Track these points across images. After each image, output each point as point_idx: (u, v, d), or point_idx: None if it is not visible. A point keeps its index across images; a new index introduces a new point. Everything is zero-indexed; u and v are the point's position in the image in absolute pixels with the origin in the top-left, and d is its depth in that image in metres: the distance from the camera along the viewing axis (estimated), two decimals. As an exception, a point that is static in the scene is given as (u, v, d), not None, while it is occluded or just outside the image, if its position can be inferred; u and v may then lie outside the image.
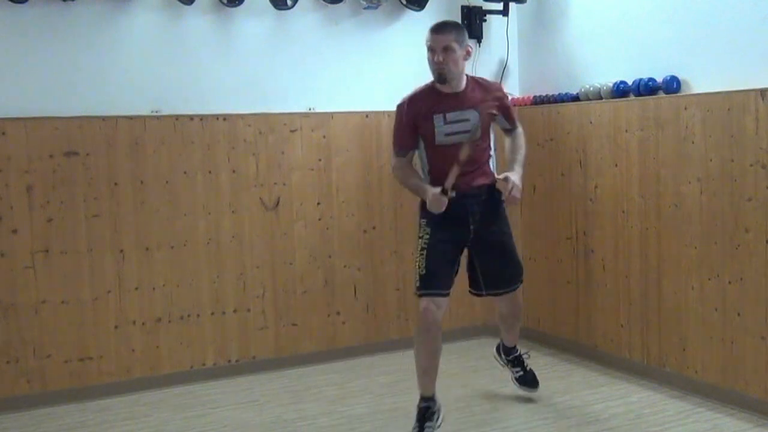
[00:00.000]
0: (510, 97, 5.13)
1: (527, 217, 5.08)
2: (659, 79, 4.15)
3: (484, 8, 5.12)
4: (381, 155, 4.92)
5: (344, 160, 4.84)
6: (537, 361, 4.39)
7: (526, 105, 5.10)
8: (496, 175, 3.69)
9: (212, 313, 4.54)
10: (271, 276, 4.68)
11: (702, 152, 3.87)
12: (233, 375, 4.56)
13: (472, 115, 3.57)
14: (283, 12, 4.63)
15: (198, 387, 4.41)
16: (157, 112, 4.37)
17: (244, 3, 4.48)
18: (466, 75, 3.67)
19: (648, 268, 4.22)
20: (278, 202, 4.68)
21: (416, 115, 3.62)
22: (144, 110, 4.35)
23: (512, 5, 5.11)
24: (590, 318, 4.65)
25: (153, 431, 3.83)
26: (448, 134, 3.57)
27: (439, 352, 3.58)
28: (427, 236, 3.59)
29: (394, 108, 4.90)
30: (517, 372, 4.09)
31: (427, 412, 3.55)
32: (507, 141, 3.88)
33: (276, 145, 4.65)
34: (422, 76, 4.95)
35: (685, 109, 3.94)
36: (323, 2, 4.73)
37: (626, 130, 4.29)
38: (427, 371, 3.56)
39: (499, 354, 4.17)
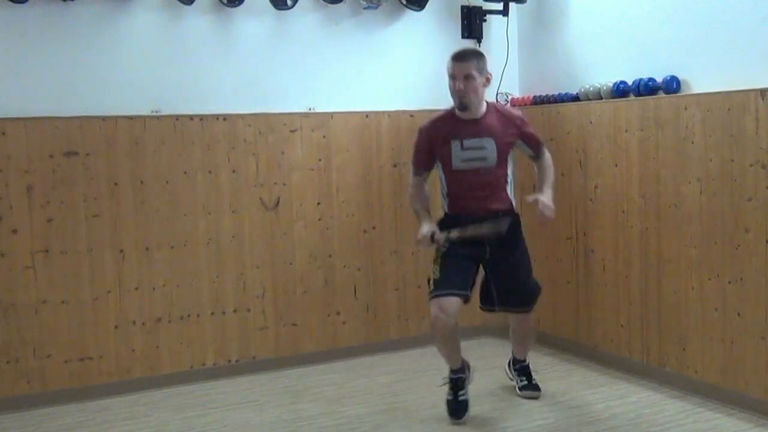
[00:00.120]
0: (510, 97, 5.17)
1: (527, 217, 5.06)
2: (659, 79, 4.15)
3: (484, 8, 5.12)
4: (381, 155, 4.92)
5: (344, 160, 4.84)
6: (537, 361, 4.39)
7: (526, 105, 5.10)
8: (513, 201, 3.82)
9: (212, 313, 4.54)
10: (271, 276, 4.68)
11: (702, 152, 3.87)
12: (233, 375, 4.56)
13: (489, 144, 3.67)
14: (283, 12, 4.63)
15: (198, 387, 4.41)
16: (157, 112, 4.37)
17: (244, 3, 4.48)
18: (487, 102, 3.77)
19: (648, 268, 4.22)
20: (278, 202, 4.68)
21: (434, 140, 3.76)
22: (144, 110, 4.35)
23: (512, 5, 5.11)
24: (590, 318, 4.65)
25: (153, 431, 3.83)
26: (464, 160, 3.69)
27: (456, 340, 3.77)
28: (443, 250, 3.72)
29: (393, 108, 4.97)
30: (521, 381, 4.11)
31: (458, 381, 3.81)
32: (535, 167, 3.96)
33: (276, 145, 4.65)
34: (422, 76, 5.01)
35: (685, 109, 3.94)
36: (323, 2, 4.73)
37: (626, 130, 4.29)
38: (450, 355, 3.81)
39: (509, 367, 4.22)
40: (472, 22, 5.12)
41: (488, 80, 3.72)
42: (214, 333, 4.55)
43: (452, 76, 3.65)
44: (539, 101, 4.99)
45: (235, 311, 4.60)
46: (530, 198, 3.71)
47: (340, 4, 4.75)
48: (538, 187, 3.86)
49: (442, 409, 3.87)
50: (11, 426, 3.91)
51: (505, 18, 5.12)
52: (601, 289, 4.55)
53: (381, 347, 4.94)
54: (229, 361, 4.60)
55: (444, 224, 3.78)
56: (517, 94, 5.25)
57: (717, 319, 3.86)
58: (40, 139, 4.10)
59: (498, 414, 3.89)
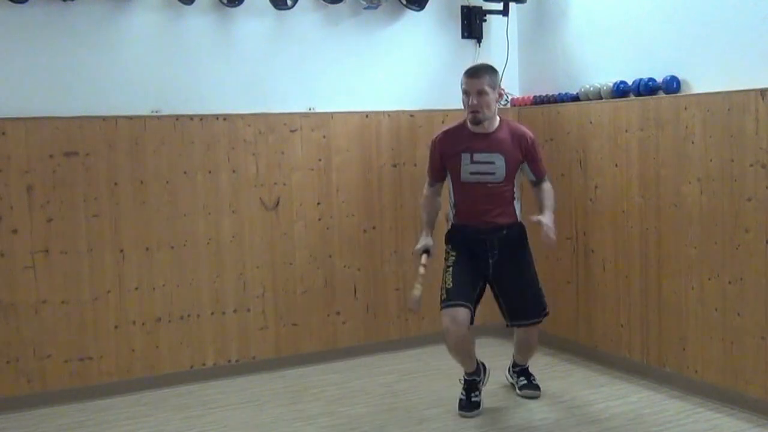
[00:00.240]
0: (510, 97, 5.17)
1: (527, 217, 5.07)
2: (659, 79, 4.15)
3: (484, 8, 5.12)
4: (381, 155, 4.92)
5: (344, 160, 4.84)
6: (537, 361, 4.39)
7: (526, 105, 5.10)
8: (519, 218, 3.87)
9: (212, 313, 4.54)
10: (271, 276, 4.68)
11: (702, 152, 3.87)
12: (233, 375, 4.56)
13: (498, 159, 3.73)
14: (283, 12, 4.63)
15: (198, 387, 4.41)
16: (157, 112, 4.37)
17: (244, 3, 4.48)
18: (500, 117, 3.83)
19: (648, 268, 4.22)
20: (278, 202, 4.68)
21: (445, 151, 3.84)
22: (144, 110, 4.35)
23: (512, 5, 5.11)
24: (590, 318, 4.65)
25: (153, 431, 3.83)
26: (473, 173, 3.76)
27: (469, 352, 3.82)
28: (453, 258, 3.83)
29: (393, 108, 4.98)
30: (521, 381, 4.12)
31: (473, 384, 3.87)
32: (534, 191, 3.96)
33: (276, 145, 4.65)
34: (422, 76, 5.02)
35: (685, 109, 3.94)
36: (323, 2, 4.72)
37: (626, 130, 4.29)
38: (464, 361, 3.85)
39: (509, 372, 4.24)
40: (472, 22, 5.12)
41: (501, 95, 3.83)
42: (214, 333, 4.55)
43: (465, 92, 3.72)
44: (539, 101, 4.99)
45: (235, 311, 4.60)
46: (533, 218, 3.74)
47: (340, 4, 4.75)
48: (539, 209, 3.87)
49: (442, 409, 3.88)
50: (11, 426, 3.91)
51: (505, 18, 5.12)
52: (601, 289, 4.55)
53: (381, 347, 4.94)
54: (229, 361, 4.60)
55: (451, 234, 3.90)
56: (517, 94, 5.24)
57: (717, 319, 3.86)
58: (40, 139, 4.10)
59: (498, 414, 3.89)
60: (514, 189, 3.83)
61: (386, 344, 4.97)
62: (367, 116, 4.87)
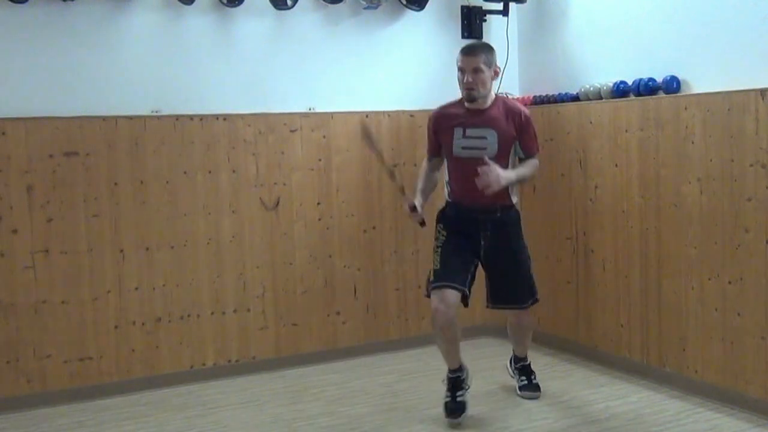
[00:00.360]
0: (511, 96, 5.16)
1: (527, 217, 5.07)
2: (659, 79, 4.15)
3: (484, 8, 5.12)
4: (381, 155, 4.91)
5: (344, 160, 4.84)
6: (537, 362, 4.38)
7: (526, 105, 5.09)
8: (514, 198, 3.82)
9: (212, 313, 4.54)
10: (271, 276, 4.68)
11: (702, 152, 3.87)
12: (233, 375, 4.56)
13: (490, 134, 3.69)
14: (283, 12, 4.63)
15: (198, 387, 4.41)
16: (157, 112, 4.37)
17: (244, 3, 4.48)
18: (496, 95, 3.82)
19: (648, 268, 4.22)
20: (278, 202, 4.68)
21: (439, 126, 3.83)
22: (144, 110, 4.35)
23: (512, 5, 5.11)
24: (590, 318, 4.65)
25: (153, 431, 3.83)
26: (464, 147, 3.72)
27: (456, 338, 3.75)
28: (443, 237, 3.80)
29: (393, 108, 4.96)
30: (521, 381, 4.11)
31: (456, 381, 3.80)
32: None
33: (276, 145, 4.65)
34: (422, 76, 5.01)
35: (685, 109, 3.94)
36: (323, 2, 4.73)
37: (626, 130, 4.29)
38: (449, 352, 3.80)
39: (510, 364, 4.23)
40: (472, 22, 5.12)
41: (496, 73, 3.78)
42: (214, 333, 4.55)
43: (461, 69, 3.71)
44: (539, 101, 4.99)
45: (235, 311, 4.60)
46: (485, 163, 3.57)
47: (340, 4, 4.75)
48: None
49: (442, 410, 3.87)
50: (11, 426, 3.91)
51: (505, 18, 5.12)
52: (601, 289, 4.55)
53: (381, 347, 4.94)
54: (229, 361, 4.60)
55: (445, 212, 3.86)
56: (517, 94, 5.24)
57: (717, 319, 3.85)
58: (40, 139, 4.10)
59: (498, 414, 3.89)
60: (509, 168, 3.75)
61: (386, 344, 4.97)
62: (367, 116, 4.87)
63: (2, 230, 4.04)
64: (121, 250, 4.30)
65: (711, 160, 3.82)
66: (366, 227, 4.92)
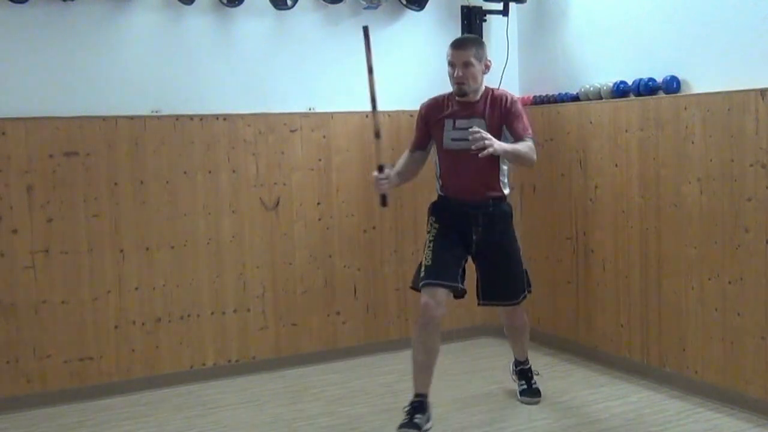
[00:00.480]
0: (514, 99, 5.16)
1: (527, 217, 5.08)
2: (659, 79, 4.15)
3: (484, 8, 5.11)
4: (381, 155, 4.91)
5: (344, 160, 4.84)
6: (537, 362, 4.38)
7: (526, 105, 5.09)
8: (505, 191, 3.76)
9: (212, 313, 4.54)
10: (271, 276, 4.68)
11: (702, 152, 3.87)
12: (233, 375, 4.56)
13: (479, 124, 3.63)
14: (283, 12, 4.63)
15: (198, 387, 4.41)
16: (157, 112, 4.37)
17: (244, 3, 4.48)
18: (487, 87, 3.77)
19: (648, 268, 4.22)
20: (278, 202, 4.68)
21: (430, 119, 3.80)
22: (144, 110, 4.35)
23: (512, 5, 5.11)
24: (590, 318, 4.65)
25: (153, 431, 3.83)
26: (454, 139, 3.68)
27: (435, 351, 3.62)
28: (435, 231, 3.74)
29: (394, 108, 4.96)
30: (521, 385, 4.09)
31: (419, 405, 3.58)
32: None
33: (276, 145, 4.65)
34: (422, 76, 5.01)
35: (685, 109, 3.94)
36: (323, 2, 4.73)
37: (626, 130, 4.29)
38: (422, 368, 3.61)
39: (512, 370, 4.19)
40: (472, 22, 5.11)
41: (487, 67, 3.73)
42: (214, 333, 4.55)
43: (451, 63, 3.68)
44: (539, 101, 4.99)
45: (235, 311, 4.60)
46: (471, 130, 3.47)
47: (340, 4, 4.75)
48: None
49: (442, 409, 3.87)
50: (11, 426, 3.91)
51: (505, 18, 5.12)
52: (601, 289, 4.55)
53: (381, 347, 4.94)
54: (229, 361, 4.60)
55: (435, 205, 3.82)
56: (517, 94, 5.24)
57: (717, 319, 3.85)
58: (40, 139, 4.10)
59: (498, 414, 3.89)
60: (500, 162, 3.68)
61: (386, 344, 4.96)
62: (367, 116, 4.85)
63: (2, 230, 4.04)
64: (121, 250, 4.30)
65: (711, 160, 3.82)
66: (366, 227, 4.92)
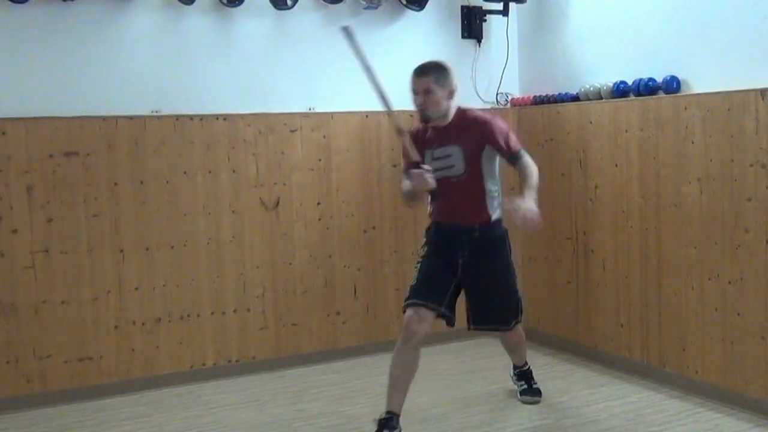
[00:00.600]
0: (510, 97, 5.16)
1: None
2: (659, 79, 4.15)
3: (484, 8, 5.12)
4: (381, 155, 4.92)
5: (344, 160, 4.84)
6: (537, 362, 4.39)
7: (526, 105, 5.10)
8: (495, 215, 3.65)
9: (212, 313, 4.54)
10: (271, 276, 4.68)
11: (702, 152, 3.87)
12: (233, 375, 4.56)
13: (454, 151, 3.57)
14: (283, 12, 4.63)
15: (198, 387, 4.41)
16: (157, 112, 4.37)
17: (244, 3, 4.48)
18: (459, 108, 3.65)
19: (648, 268, 4.22)
20: (278, 202, 4.68)
21: (418, 147, 3.65)
22: (144, 110, 4.35)
23: (512, 5, 5.11)
24: (590, 318, 4.65)
25: (153, 431, 3.83)
26: (436, 169, 3.57)
27: (412, 367, 3.57)
28: (424, 252, 3.73)
29: (393, 108, 4.93)
30: (521, 386, 4.08)
31: (388, 422, 3.52)
32: (518, 174, 3.76)
33: (276, 145, 4.65)
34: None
35: (685, 109, 3.94)
36: (323, 2, 4.73)
37: (626, 130, 4.29)
38: (397, 384, 3.57)
39: (512, 375, 4.17)
40: (472, 22, 5.12)
41: (452, 93, 3.61)
42: (214, 333, 4.55)
43: (413, 90, 3.61)
44: (539, 101, 4.99)
45: (235, 311, 4.60)
46: (509, 204, 3.48)
47: (340, 4, 4.75)
48: (521, 191, 3.65)
49: (442, 409, 3.87)
50: (11, 426, 3.91)
51: (505, 18, 5.12)
52: (601, 289, 4.55)
53: (381, 347, 4.92)
54: (229, 361, 4.60)
55: (429, 229, 3.78)
56: (517, 94, 5.25)
57: (717, 319, 3.85)
58: (40, 139, 4.10)
59: (498, 414, 3.89)
60: (485, 184, 3.62)
61: (386, 344, 4.92)
62: (367, 116, 4.87)
63: (2, 230, 4.04)
64: (121, 250, 4.30)
65: (711, 160, 3.82)
66: (366, 227, 4.92)
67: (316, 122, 4.75)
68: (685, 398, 3.96)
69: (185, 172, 4.43)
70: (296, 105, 4.72)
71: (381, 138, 4.90)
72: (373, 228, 4.94)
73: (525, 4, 5.09)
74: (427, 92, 3.56)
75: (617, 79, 4.38)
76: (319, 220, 4.79)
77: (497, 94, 5.20)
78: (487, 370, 4.49)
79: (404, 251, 4.98)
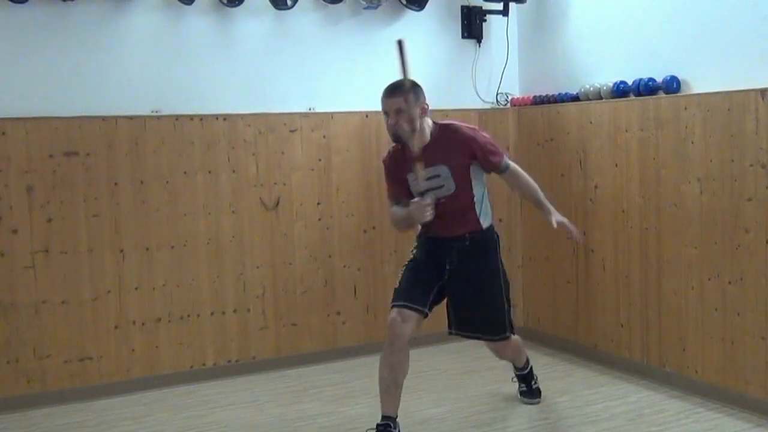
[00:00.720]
0: (510, 97, 5.16)
1: (527, 218, 5.08)
2: (659, 79, 4.15)
3: (484, 8, 5.12)
4: (381, 155, 4.91)
5: (344, 160, 4.84)
6: (537, 361, 4.38)
7: (526, 105, 5.10)
8: (485, 223, 3.63)
9: (212, 313, 4.54)
10: (271, 276, 4.68)
11: (702, 152, 3.87)
12: (233, 375, 4.56)
13: (442, 170, 3.53)
14: (283, 12, 4.63)
15: (198, 387, 4.41)
16: (157, 112, 4.37)
17: (244, 3, 4.48)
18: (438, 124, 3.60)
19: (648, 268, 4.22)
20: (278, 202, 4.68)
21: (397, 170, 3.64)
22: (144, 110, 4.35)
23: (512, 5, 5.11)
24: (590, 318, 4.65)
25: (153, 431, 3.83)
26: (426, 190, 3.52)
27: (401, 368, 3.52)
28: (411, 256, 3.72)
29: (393, 108, 4.94)
30: (521, 387, 4.07)
31: (386, 429, 3.49)
32: (511, 186, 3.79)
33: (276, 145, 4.65)
34: (422, 76, 4.95)
35: (685, 109, 3.94)
36: (323, 2, 4.73)
37: (626, 130, 4.29)
38: (388, 388, 3.52)
39: (513, 377, 4.15)
40: (472, 22, 5.12)
41: (424, 110, 3.55)
42: (214, 333, 4.55)
43: (384, 112, 3.56)
44: (539, 101, 4.99)
45: (235, 311, 4.60)
46: (554, 225, 3.60)
47: (340, 4, 4.75)
48: (538, 209, 3.70)
49: (442, 409, 3.87)
50: (11, 426, 3.91)
51: (505, 18, 5.12)
52: (601, 289, 4.55)
53: (381, 347, 4.86)
54: (229, 361, 4.60)
55: (419, 238, 3.74)
56: (517, 94, 5.25)
57: (717, 319, 3.85)
58: (40, 139, 4.10)
59: (498, 414, 3.89)
60: (475, 193, 3.59)
61: (386, 344, 4.95)
62: (367, 116, 4.87)
63: (2, 230, 4.04)
64: (121, 250, 4.30)
65: (711, 160, 3.82)
66: (366, 227, 4.92)
67: (316, 122, 4.75)
68: (685, 398, 3.96)
69: (185, 172, 4.43)
70: (296, 105, 4.72)
71: (381, 138, 4.89)
72: (373, 228, 4.94)
73: (525, 4, 5.09)
74: (398, 112, 3.48)
75: (617, 79, 4.39)
76: (319, 220, 4.79)
77: (497, 94, 5.20)
78: (487, 370, 4.49)
79: (404, 251, 4.95)
